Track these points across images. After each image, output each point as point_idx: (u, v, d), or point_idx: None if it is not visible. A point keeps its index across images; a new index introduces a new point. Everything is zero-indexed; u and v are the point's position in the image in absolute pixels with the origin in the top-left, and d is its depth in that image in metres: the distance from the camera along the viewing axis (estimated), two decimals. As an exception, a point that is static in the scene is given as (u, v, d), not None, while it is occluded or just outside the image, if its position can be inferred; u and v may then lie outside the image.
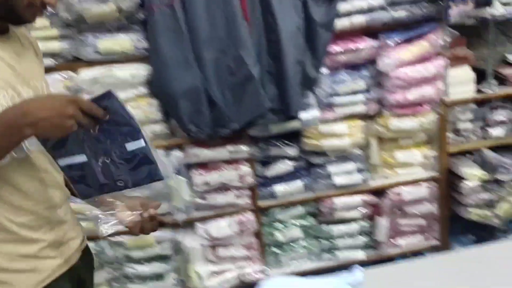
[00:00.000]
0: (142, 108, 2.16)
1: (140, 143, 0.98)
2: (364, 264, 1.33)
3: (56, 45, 2.07)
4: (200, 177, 2.29)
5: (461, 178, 2.48)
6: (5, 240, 1.05)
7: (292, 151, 2.38)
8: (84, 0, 1.98)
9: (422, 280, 1.21)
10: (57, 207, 1.14)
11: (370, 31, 2.29)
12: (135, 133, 0.98)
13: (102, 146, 0.99)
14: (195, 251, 2.37)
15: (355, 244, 2.55)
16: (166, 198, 2.18)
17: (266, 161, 2.40)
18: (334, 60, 2.27)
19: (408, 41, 2.30)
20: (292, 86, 2.18)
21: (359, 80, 2.33)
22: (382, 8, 2.24)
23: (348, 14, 2.22)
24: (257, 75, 2.13)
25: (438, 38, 2.31)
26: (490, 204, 2.48)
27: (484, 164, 2.47)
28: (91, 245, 1.34)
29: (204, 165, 2.30)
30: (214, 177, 2.30)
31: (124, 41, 2.09)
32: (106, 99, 0.94)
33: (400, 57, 2.27)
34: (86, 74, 2.09)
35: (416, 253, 2.50)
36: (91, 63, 2.10)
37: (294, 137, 2.38)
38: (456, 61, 2.42)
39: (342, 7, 2.20)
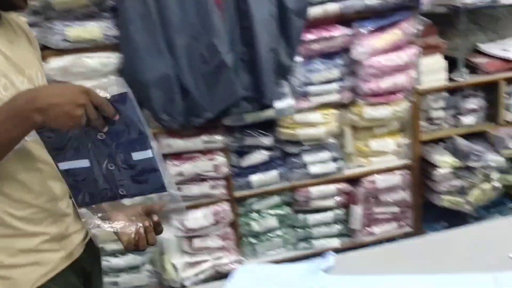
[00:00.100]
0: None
1: (148, 153, 0.93)
2: (339, 251, 1.34)
3: (23, 33, 2.01)
4: (174, 167, 2.26)
5: (433, 165, 2.51)
6: (3, 235, 1.01)
7: (267, 140, 2.37)
8: (52, -14, 1.94)
9: (391, 264, 1.23)
10: (58, 199, 1.11)
11: (344, 19, 2.29)
12: (144, 143, 0.93)
13: (107, 150, 0.94)
14: (171, 242, 2.35)
15: (330, 232, 2.56)
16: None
17: (241, 151, 2.39)
18: (308, 48, 2.27)
19: (382, 29, 2.31)
20: (266, 74, 2.17)
21: (333, 68, 2.34)
22: (355, -5, 2.24)
23: (322, 2, 2.22)
24: (230, 63, 2.11)
25: (410, 26, 2.33)
26: (462, 191, 2.52)
27: (456, 152, 2.51)
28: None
29: (178, 156, 2.28)
30: (188, 167, 2.28)
31: (93, 29, 2.05)
32: (121, 100, 0.89)
33: (373, 45, 2.28)
34: (56, 63, 2.04)
35: (390, 240, 2.52)
36: (60, 52, 2.05)
37: (269, 126, 2.37)
38: (428, 49, 2.45)
39: (316, -6, 2.19)
